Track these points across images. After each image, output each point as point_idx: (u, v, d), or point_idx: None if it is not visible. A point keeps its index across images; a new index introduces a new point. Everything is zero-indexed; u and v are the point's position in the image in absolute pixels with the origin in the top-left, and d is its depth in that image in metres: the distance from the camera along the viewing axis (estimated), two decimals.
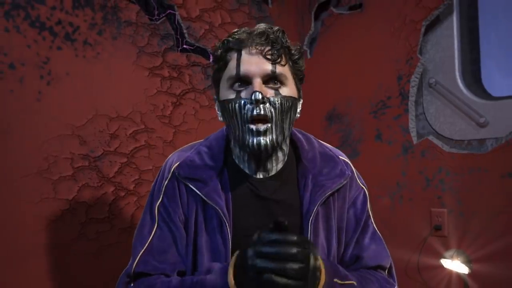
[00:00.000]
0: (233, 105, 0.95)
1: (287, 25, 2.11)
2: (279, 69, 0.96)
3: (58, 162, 1.45)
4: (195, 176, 1.01)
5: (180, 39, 1.75)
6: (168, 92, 1.72)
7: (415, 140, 1.77)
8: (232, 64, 0.97)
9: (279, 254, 0.77)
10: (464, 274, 1.60)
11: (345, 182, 1.04)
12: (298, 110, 1.04)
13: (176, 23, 1.75)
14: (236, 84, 0.96)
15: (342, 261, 1.06)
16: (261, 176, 1.04)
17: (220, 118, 1.04)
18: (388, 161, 1.84)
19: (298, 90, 1.03)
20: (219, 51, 0.99)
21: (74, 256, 1.47)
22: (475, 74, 1.73)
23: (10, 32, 1.38)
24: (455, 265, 1.60)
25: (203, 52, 1.81)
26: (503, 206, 1.53)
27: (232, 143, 1.06)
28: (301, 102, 1.05)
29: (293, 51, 1.00)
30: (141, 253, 1.01)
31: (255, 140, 0.94)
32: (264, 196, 1.02)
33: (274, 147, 0.97)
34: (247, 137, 0.95)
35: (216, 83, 1.03)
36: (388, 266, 1.07)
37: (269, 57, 0.95)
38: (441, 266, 1.66)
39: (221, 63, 0.99)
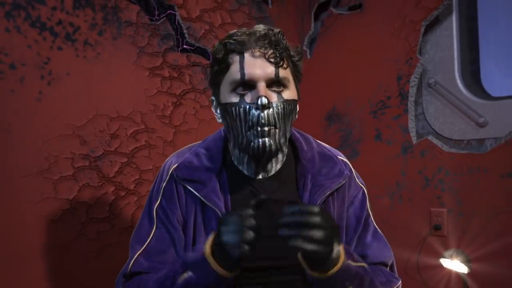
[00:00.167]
0: (237, 109, 0.95)
1: (287, 25, 2.11)
2: (282, 72, 0.96)
3: (58, 162, 1.45)
4: (194, 178, 1.02)
5: (180, 39, 1.76)
6: (168, 92, 1.72)
7: (414, 140, 1.77)
8: (235, 67, 0.96)
9: (305, 223, 0.81)
10: (464, 273, 1.60)
11: (344, 181, 1.05)
12: (297, 110, 1.04)
13: (176, 23, 1.75)
14: (239, 88, 0.96)
15: None
16: (260, 177, 1.04)
17: (219, 120, 1.04)
18: (388, 161, 1.85)
19: (298, 91, 1.03)
20: (221, 53, 0.98)
21: (75, 255, 1.48)
22: (475, 74, 1.73)
23: (11, 32, 1.38)
24: (454, 264, 1.61)
25: (203, 52, 1.81)
26: (503, 206, 1.54)
27: (231, 144, 1.06)
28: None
29: (293, 53, 1.00)
30: (137, 254, 1.01)
31: (260, 141, 0.94)
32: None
33: (278, 149, 0.98)
34: (252, 139, 0.95)
35: (216, 85, 1.02)
36: (390, 263, 1.08)
37: (272, 60, 0.95)
38: (441, 266, 1.66)
39: (223, 65, 0.98)
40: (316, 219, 0.82)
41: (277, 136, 0.96)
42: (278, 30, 0.99)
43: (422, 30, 1.73)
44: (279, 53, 0.95)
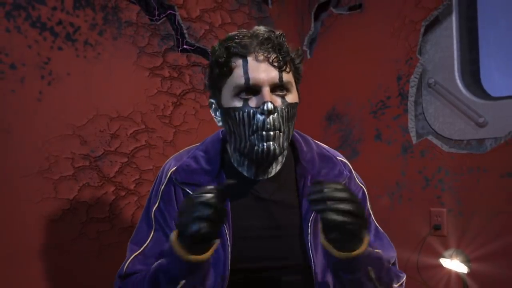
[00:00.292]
0: (241, 114, 0.94)
1: (287, 25, 2.11)
2: (285, 76, 0.96)
3: (58, 162, 1.45)
4: (192, 181, 1.01)
5: (180, 40, 1.76)
6: (168, 92, 1.72)
7: (414, 140, 1.78)
8: (238, 71, 0.95)
9: (335, 197, 0.81)
10: (463, 273, 1.60)
11: (344, 182, 1.05)
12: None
13: (177, 23, 1.75)
14: (243, 92, 0.95)
15: None
16: (260, 178, 1.04)
17: (219, 123, 1.03)
18: (388, 161, 1.85)
19: (299, 93, 1.03)
20: (223, 57, 0.96)
21: (75, 255, 1.48)
22: (474, 74, 1.73)
23: (11, 32, 1.38)
24: (454, 264, 1.61)
25: (203, 52, 1.81)
26: (502, 206, 1.54)
27: (231, 147, 1.05)
28: None
29: (295, 56, 1.00)
30: (134, 255, 1.01)
31: (265, 145, 0.94)
32: (263, 198, 1.02)
33: (281, 152, 0.97)
34: (256, 142, 0.94)
35: (217, 89, 1.00)
36: (393, 261, 1.08)
37: (275, 64, 0.94)
38: (440, 266, 1.66)
39: (225, 69, 0.96)
40: (344, 194, 0.82)
41: (281, 139, 0.96)
42: (280, 32, 0.98)
43: (422, 30, 1.74)
44: (283, 57, 0.95)
